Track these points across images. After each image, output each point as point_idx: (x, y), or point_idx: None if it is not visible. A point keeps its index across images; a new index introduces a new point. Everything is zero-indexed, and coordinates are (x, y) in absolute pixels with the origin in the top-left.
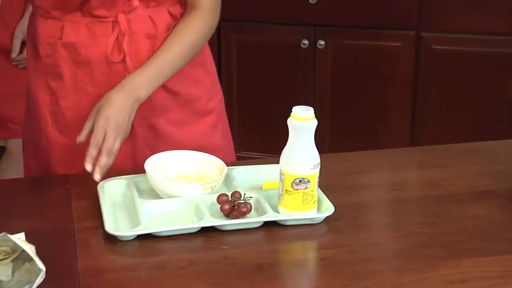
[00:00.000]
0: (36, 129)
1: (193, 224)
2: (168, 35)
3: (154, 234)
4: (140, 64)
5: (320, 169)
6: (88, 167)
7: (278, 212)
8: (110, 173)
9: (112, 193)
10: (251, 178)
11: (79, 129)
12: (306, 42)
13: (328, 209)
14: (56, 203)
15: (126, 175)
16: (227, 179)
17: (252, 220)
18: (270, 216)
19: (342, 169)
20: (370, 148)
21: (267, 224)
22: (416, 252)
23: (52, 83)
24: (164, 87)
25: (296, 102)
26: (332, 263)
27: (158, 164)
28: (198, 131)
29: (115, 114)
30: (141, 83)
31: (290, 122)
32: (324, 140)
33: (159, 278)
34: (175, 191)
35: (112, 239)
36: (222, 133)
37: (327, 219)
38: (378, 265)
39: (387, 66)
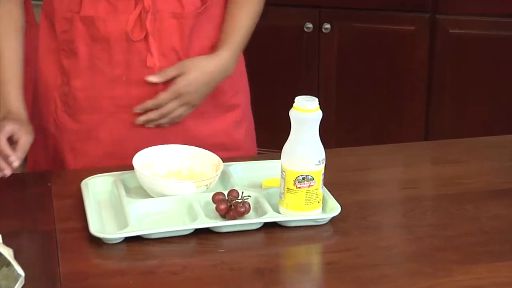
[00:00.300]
0: (44, 114)
1: (186, 225)
2: (226, 17)
3: (144, 236)
4: (163, 44)
5: (325, 165)
6: (141, 119)
7: (279, 213)
8: (94, 169)
9: (97, 191)
10: (249, 175)
11: (90, 114)
12: (310, 25)
13: (334, 209)
14: (36, 202)
15: (113, 171)
16: (224, 177)
17: (251, 221)
18: (271, 217)
19: (349, 165)
20: (380, 142)
21: (267, 226)
22: (430, 256)
23: (65, 62)
24: None
25: (299, 92)
26: (338, 268)
27: (147, 160)
28: (220, 126)
29: (199, 83)
30: (232, 61)
31: (292, 113)
32: (330, 134)
33: (149, 284)
34: (166, 190)
35: (97, 242)
36: (247, 131)
37: (332, 220)
38: (389, 270)
39: (400, 52)
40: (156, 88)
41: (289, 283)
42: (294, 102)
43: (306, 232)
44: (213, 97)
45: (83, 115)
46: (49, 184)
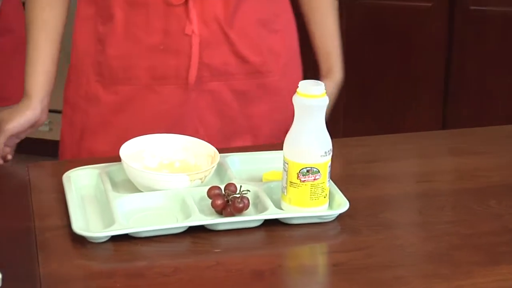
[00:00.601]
0: (73, 87)
1: (179, 223)
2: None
3: (132, 235)
4: (204, 11)
5: (332, 156)
6: None
7: (281, 209)
8: (77, 161)
9: (81, 185)
10: (248, 167)
11: (125, 84)
12: None
13: (342, 204)
14: (13, 197)
15: (98, 163)
16: (220, 169)
17: (250, 218)
18: (272, 213)
19: (359, 157)
20: (392, 131)
21: (268, 223)
22: (448, 256)
23: (101, 28)
24: (231, 48)
25: (303, 77)
26: (347, 269)
27: (136, 150)
28: (262, 110)
29: None
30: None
31: (296, 100)
32: (337, 122)
33: (138, 287)
34: (157, 183)
35: (80, 241)
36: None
37: (340, 216)
38: (402, 272)
39: (415, 30)
40: (193, 61)
41: (292, 286)
42: (298, 87)
43: (310, 230)
44: (258, 77)
45: (118, 86)
46: (27, 177)
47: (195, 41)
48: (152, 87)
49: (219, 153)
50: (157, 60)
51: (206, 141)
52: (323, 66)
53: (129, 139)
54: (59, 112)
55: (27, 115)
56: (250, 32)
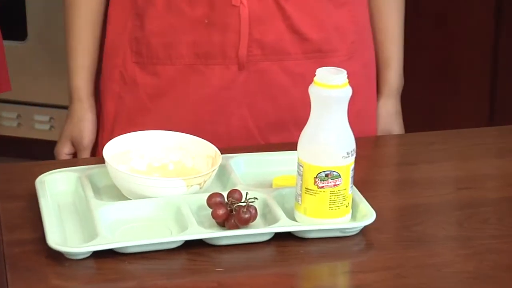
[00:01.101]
0: (108, 69)
1: (173, 236)
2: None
3: (118, 250)
4: None
5: (356, 158)
6: None
7: (295, 220)
8: (52, 163)
9: (57, 191)
10: (256, 170)
11: (166, 65)
12: None
13: (367, 215)
14: None
15: (77, 165)
16: (222, 173)
17: (258, 231)
18: (284, 226)
19: (388, 158)
20: (428, 128)
21: (279, 237)
22: (493, 277)
23: (140, 1)
24: (287, 23)
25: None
26: None
27: (122, 150)
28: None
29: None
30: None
31: (312, 90)
32: None
33: None
34: (147, 190)
35: (57, 258)
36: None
37: (365, 229)
38: None
39: (457, 12)
40: (243, 37)
41: None
42: (315, 75)
43: (330, 245)
44: (319, 56)
45: (158, 66)
46: None
47: (244, 13)
48: (195, 66)
49: (221, 153)
50: (202, 36)
51: (255, 133)
52: (380, 74)
53: (169, 128)
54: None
55: (91, 119)
56: (310, 4)
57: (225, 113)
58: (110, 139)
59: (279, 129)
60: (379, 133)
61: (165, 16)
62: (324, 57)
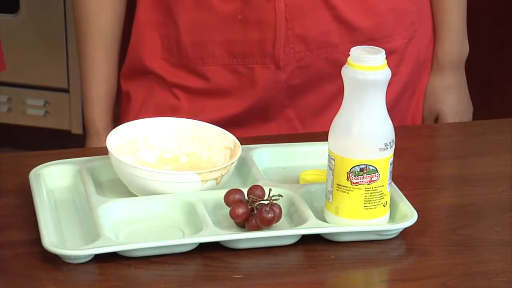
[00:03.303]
0: (135, 67)
1: (186, 238)
2: None
3: (123, 253)
4: None
5: (395, 150)
6: None
7: (325, 221)
8: (48, 153)
9: (54, 185)
10: (281, 164)
11: (197, 64)
12: None
13: (408, 216)
14: None
15: (77, 156)
16: (242, 166)
17: (283, 233)
18: (312, 227)
19: (433, 151)
20: (481, 117)
21: (307, 240)
22: None
23: None
24: (332, 12)
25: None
26: None
27: (129, 139)
28: None
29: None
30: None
31: (345, 72)
32: None
33: None
34: (157, 185)
35: (53, 261)
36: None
37: (406, 232)
38: None
39: None
40: (279, 33)
41: None
42: (349, 54)
43: (365, 250)
44: (372, 45)
45: (189, 67)
46: None
47: (280, 8)
48: (231, 67)
49: (241, 144)
50: (236, 34)
51: (296, 122)
52: (438, 48)
53: None
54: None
55: None
56: None
57: (265, 109)
58: None
59: (321, 118)
60: (424, 115)
61: (193, 11)
62: (378, 44)
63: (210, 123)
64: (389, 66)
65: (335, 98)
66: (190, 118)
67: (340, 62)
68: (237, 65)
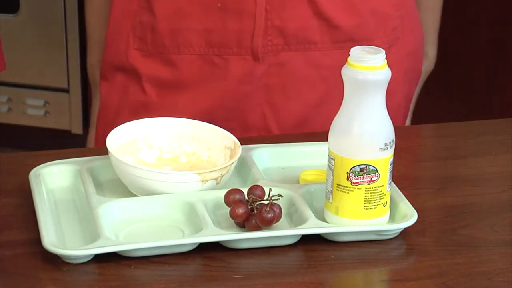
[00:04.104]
0: (110, 57)
1: (186, 238)
2: None
3: (123, 253)
4: None
5: (395, 150)
6: None
7: (325, 221)
8: (48, 153)
9: (54, 186)
10: (280, 164)
11: (173, 53)
12: None
13: (408, 216)
14: None
15: (78, 156)
16: (242, 166)
17: (283, 233)
18: (312, 227)
19: (433, 151)
20: (477, 117)
21: (307, 240)
22: None
23: None
24: (313, 7)
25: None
26: None
27: (129, 139)
28: None
29: None
30: None
31: (346, 72)
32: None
33: None
34: (157, 185)
35: (53, 261)
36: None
37: (405, 232)
38: None
39: None
40: (258, 24)
41: None
42: (349, 54)
43: (365, 250)
44: (352, 46)
45: (164, 56)
46: None
47: None
48: (207, 57)
49: (241, 144)
50: (214, 23)
51: (277, 132)
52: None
53: None
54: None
55: None
56: None
57: (242, 110)
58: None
59: (302, 128)
60: None
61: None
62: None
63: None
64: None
65: (317, 107)
66: (162, 116)
67: (318, 63)
68: (212, 55)
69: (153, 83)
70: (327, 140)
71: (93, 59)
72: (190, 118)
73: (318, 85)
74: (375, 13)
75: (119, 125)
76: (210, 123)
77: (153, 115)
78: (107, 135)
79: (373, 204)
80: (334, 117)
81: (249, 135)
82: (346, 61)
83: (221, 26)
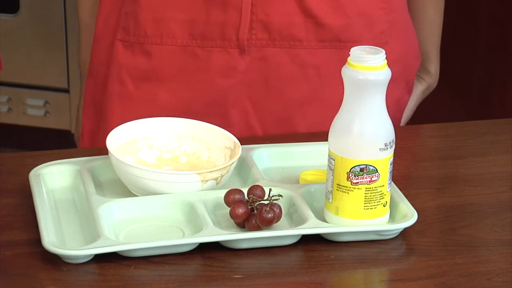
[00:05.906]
0: (96, 50)
1: (186, 238)
2: None
3: (123, 253)
4: None
5: (395, 150)
6: None
7: (325, 221)
8: (48, 153)
9: (54, 186)
10: (281, 164)
11: (155, 43)
12: None
13: (408, 216)
14: None
15: (77, 156)
16: (242, 166)
17: (283, 233)
18: (312, 227)
19: (433, 151)
20: (477, 117)
21: (307, 240)
22: None
23: None
24: (300, 4)
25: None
26: None
27: (129, 139)
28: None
29: None
30: None
31: (345, 72)
32: None
33: None
34: (157, 185)
35: (53, 262)
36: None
37: (405, 232)
38: None
39: None
40: (244, 17)
41: None
42: (349, 54)
43: (365, 250)
44: (338, 46)
45: (145, 46)
46: None
47: None
48: (189, 49)
49: (241, 144)
50: (199, 13)
51: (257, 131)
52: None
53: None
54: (57, 90)
55: None
56: None
57: (223, 105)
58: (97, 131)
59: (285, 128)
60: None
61: None
62: (343, 48)
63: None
64: None
65: (301, 107)
66: (141, 107)
67: (303, 62)
68: (195, 46)
69: (131, 74)
70: (327, 140)
71: (84, 53)
72: (169, 111)
73: (302, 85)
74: (362, 14)
75: (100, 119)
76: (190, 117)
77: (131, 107)
78: (90, 131)
79: (373, 204)
80: (318, 119)
81: (231, 131)
82: (331, 61)
83: (205, 17)
